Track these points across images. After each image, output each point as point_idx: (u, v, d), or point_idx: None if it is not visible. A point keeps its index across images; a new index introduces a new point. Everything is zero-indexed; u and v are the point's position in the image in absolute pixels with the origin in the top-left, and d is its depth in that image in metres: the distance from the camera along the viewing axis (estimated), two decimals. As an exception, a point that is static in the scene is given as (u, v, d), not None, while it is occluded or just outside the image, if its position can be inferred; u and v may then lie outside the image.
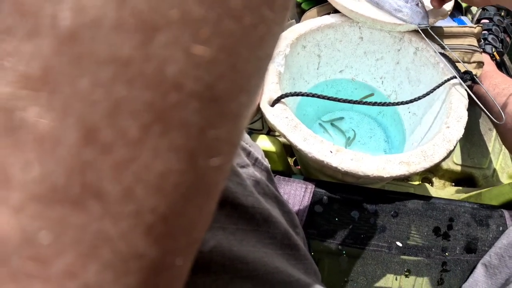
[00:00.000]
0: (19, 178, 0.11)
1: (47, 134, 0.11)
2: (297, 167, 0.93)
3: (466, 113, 0.68)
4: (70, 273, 0.12)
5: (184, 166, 0.13)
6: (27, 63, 0.11)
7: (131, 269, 0.13)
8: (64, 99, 0.11)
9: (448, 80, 0.70)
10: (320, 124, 0.94)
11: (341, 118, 0.95)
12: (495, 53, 1.05)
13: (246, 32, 0.13)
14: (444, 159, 0.61)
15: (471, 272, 0.63)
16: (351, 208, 0.62)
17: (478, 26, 0.91)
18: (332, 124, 0.94)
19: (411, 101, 0.66)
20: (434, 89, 0.69)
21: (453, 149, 0.62)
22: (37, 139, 0.11)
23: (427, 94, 0.68)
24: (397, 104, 0.65)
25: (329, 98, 0.63)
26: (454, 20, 0.96)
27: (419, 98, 0.66)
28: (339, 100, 0.63)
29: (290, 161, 0.93)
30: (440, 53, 0.76)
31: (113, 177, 0.12)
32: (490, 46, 1.06)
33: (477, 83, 0.75)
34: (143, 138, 0.12)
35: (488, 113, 0.74)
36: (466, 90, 0.71)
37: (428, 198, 0.66)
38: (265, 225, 0.40)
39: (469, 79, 0.73)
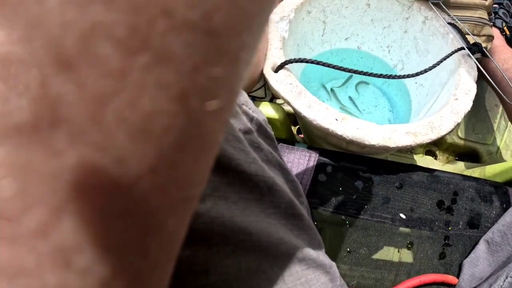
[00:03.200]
0: None
1: (8, 59, 0.09)
2: (300, 135, 0.92)
3: (475, 86, 0.66)
4: (41, 232, 0.10)
5: (175, 107, 0.11)
6: None
7: (116, 224, 0.11)
8: (29, 18, 0.09)
9: (457, 51, 0.68)
10: (325, 88, 0.92)
11: (346, 84, 0.93)
12: (505, 27, 1.02)
13: None
14: (451, 131, 0.59)
15: (472, 248, 0.62)
16: (355, 178, 0.61)
17: (489, -2, 0.89)
18: (332, 90, 0.92)
19: (417, 74, 0.64)
20: (441, 61, 0.67)
21: (460, 122, 0.61)
22: None
23: (434, 66, 0.66)
24: (403, 77, 0.63)
25: (334, 67, 0.61)
26: (464, -9, 0.94)
27: (425, 70, 0.65)
28: (344, 69, 0.61)
29: (293, 129, 0.92)
30: (449, 23, 0.74)
31: (88, 116, 0.10)
32: (501, 20, 1.03)
33: (486, 56, 0.73)
34: (126, 70, 0.10)
35: (498, 89, 0.72)
36: (475, 62, 0.69)
37: (433, 171, 0.65)
38: (269, 194, 0.39)
39: (478, 51, 0.71)
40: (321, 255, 0.43)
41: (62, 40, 0.10)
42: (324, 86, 0.92)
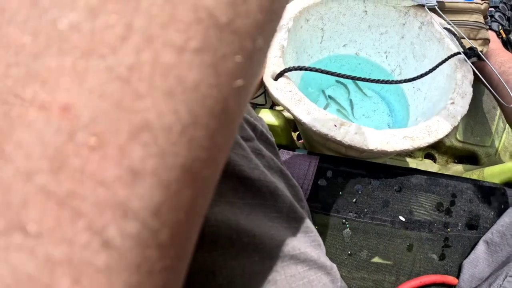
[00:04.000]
0: None
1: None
2: (300, 141, 0.93)
3: (471, 89, 0.67)
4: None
5: (212, 80, 0.14)
6: None
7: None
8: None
9: (453, 56, 0.70)
10: (324, 94, 0.94)
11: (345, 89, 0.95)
12: (501, 30, 1.03)
13: None
14: (448, 135, 0.60)
15: (472, 249, 0.63)
16: (355, 182, 0.62)
17: (485, 2, 0.90)
18: (329, 97, 0.93)
19: (414, 78, 0.65)
20: (438, 66, 0.68)
21: (457, 125, 0.62)
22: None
23: (431, 71, 0.67)
24: (400, 82, 0.64)
25: (332, 74, 0.62)
26: (460, -4, 0.95)
27: (421, 75, 0.66)
28: (342, 76, 0.63)
29: (293, 135, 0.93)
30: (446, 28, 0.76)
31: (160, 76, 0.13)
32: (497, 23, 1.04)
33: (482, 59, 0.74)
34: (183, 48, 0.13)
35: (494, 93, 0.73)
36: (471, 66, 0.71)
37: (431, 174, 0.67)
38: (272, 199, 0.40)
39: (474, 55, 0.72)
40: (322, 257, 0.45)
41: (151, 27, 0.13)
42: (323, 92, 0.94)
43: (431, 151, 1.01)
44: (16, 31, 0.13)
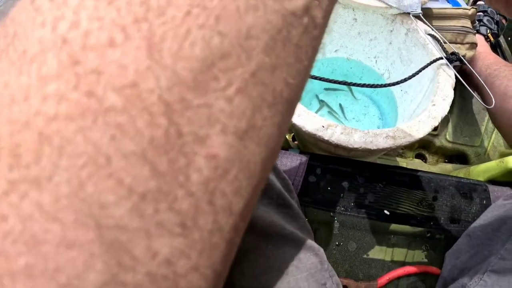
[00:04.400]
0: None
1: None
2: (295, 142, 0.97)
3: (452, 92, 0.71)
4: None
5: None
6: None
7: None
8: None
9: (435, 61, 0.74)
10: (317, 98, 0.98)
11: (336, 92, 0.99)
12: (489, 34, 1.07)
13: None
14: (428, 134, 0.64)
15: (454, 241, 0.66)
16: (342, 178, 0.66)
17: (472, 8, 0.93)
18: (322, 101, 0.97)
19: (398, 82, 0.70)
20: (420, 70, 0.72)
21: (438, 125, 0.66)
22: None
23: (414, 75, 0.72)
24: (384, 86, 0.69)
25: (325, 80, 0.66)
26: (449, 2, 0.99)
27: (405, 79, 0.70)
28: (334, 81, 0.67)
29: (288, 136, 0.98)
30: (430, 34, 0.80)
31: None
32: (485, 27, 1.08)
33: (464, 63, 0.78)
34: None
35: (476, 94, 0.77)
36: (453, 70, 0.75)
37: (415, 171, 0.71)
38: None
39: (456, 60, 0.76)
40: (309, 239, 0.49)
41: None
42: (316, 96, 0.98)
43: (422, 151, 1.05)
44: None
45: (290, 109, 0.17)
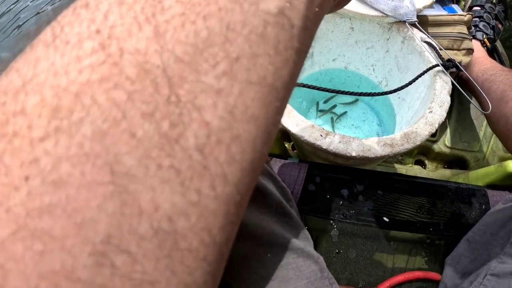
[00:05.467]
0: None
1: None
2: (294, 151, 0.98)
3: (449, 98, 0.72)
4: None
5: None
6: None
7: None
8: None
9: (431, 68, 0.75)
10: (316, 107, 0.99)
11: (334, 106, 1.00)
12: (485, 39, 1.07)
13: None
14: (427, 140, 0.65)
15: (454, 247, 0.67)
16: (341, 186, 0.67)
17: (468, 14, 0.94)
18: (320, 111, 0.98)
19: (394, 90, 0.70)
20: (416, 78, 0.73)
21: (435, 132, 0.67)
22: None
23: (410, 83, 0.72)
24: (382, 94, 0.69)
25: (323, 89, 0.67)
26: (444, 9, 1.00)
27: (401, 87, 0.71)
28: (332, 90, 0.67)
29: (288, 145, 0.98)
30: (426, 42, 0.81)
31: None
32: (481, 33, 1.08)
33: (460, 70, 0.78)
34: None
35: (473, 100, 0.78)
36: (449, 77, 0.75)
37: (414, 177, 0.71)
38: (261, 196, 0.47)
39: (452, 66, 0.77)
40: (309, 248, 0.50)
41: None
42: (317, 104, 0.99)
43: (421, 157, 1.05)
44: None
45: (277, 96, 0.19)
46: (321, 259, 0.51)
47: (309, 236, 0.53)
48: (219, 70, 0.17)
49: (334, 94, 0.95)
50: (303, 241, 0.50)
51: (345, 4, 0.29)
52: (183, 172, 0.15)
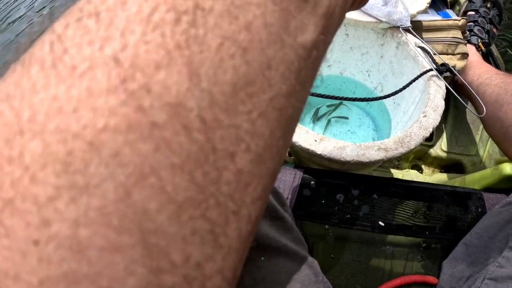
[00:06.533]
0: None
1: None
2: (291, 157, 0.98)
3: (443, 102, 0.72)
4: None
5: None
6: None
7: None
8: None
9: (425, 73, 0.75)
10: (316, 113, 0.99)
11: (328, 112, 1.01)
12: (480, 44, 1.08)
13: None
14: (423, 145, 0.65)
15: (450, 250, 0.67)
16: (336, 191, 0.67)
17: (462, 18, 0.95)
18: (318, 118, 0.99)
19: (387, 95, 0.71)
20: (411, 82, 0.74)
21: (430, 136, 0.67)
22: None
23: (404, 88, 0.73)
24: (376, 99, 0.70)
25: (318, 95, 0.67)
26: (439, 14, 1.01)
27: (395, 92, 0.71)
28: (327, 96, 0.68)
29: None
30: (420, 47, 0.81)
31: None
32: (476, 37, 1.09)
33: (454, 74, 0.79)
34: None
35: (469, 104, 0.78)
36: (443, 81, 0.76)
37: (409, 182, 0.71)
38: None
39: (446, 71, 0.77)
40: (303, 252, 0.50)
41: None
42: (317, 110, 0.99)
43: (418, 162, 1.05)
44: None
45: (294, 129, 0.19)
46: (316, 263, 0.51)
47: (303, 240, 0.53)
48: (255, 113, 0.15)
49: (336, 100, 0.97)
50: (297, 245, 0.50)
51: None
52: (213, 220, 0.15)
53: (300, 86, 0.17)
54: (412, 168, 1.04)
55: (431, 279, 0.66)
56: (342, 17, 0.21)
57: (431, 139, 1.03)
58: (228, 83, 0.14)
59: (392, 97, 0.72)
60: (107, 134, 0.13)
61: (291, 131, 0.19)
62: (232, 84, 0.15)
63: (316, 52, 0.17)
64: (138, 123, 0.13)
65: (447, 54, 0.91)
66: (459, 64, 0.90)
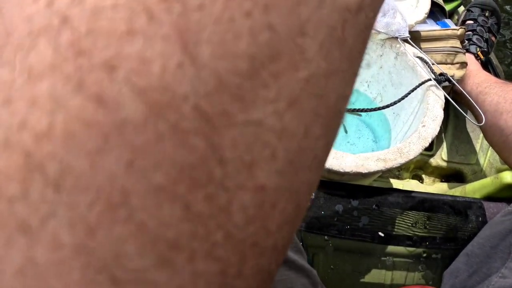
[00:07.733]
0: None
1: None
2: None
3: (442, 112, 0.72)
4: None
5: None
6: None
7: None
8: None
9: (423, 83, 0.75)
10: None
11: None
12: (479, 52, 1.08)
13: None
14: (423, 154, 0.65)
15: (451, 260, 0.67)
16: (336, 202, 0.67)
17: (461, 28, 0.95)
18: None
19: (386, 106, 0.71)
20: (409, 93, 0.74)
21: (430, 145, 0.67)
22: None
23: (403, 98, 0.73)
24: (375, 110, 0.70)
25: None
26: (437, 23, 1.01)
27: (394, 103, 0.72)
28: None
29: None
30: (418, 57, 0.81)
31: None
32: (475, 46, 1.09)
33: (453, 83, 0.79)
34: None
35: (469, 113, 0.78)
36: (442, 91, 0.76)
37: (409, 192, 0.71)
38: None
39: (444, 80, 0.77)
40: (302, 261, 0.49)
41: None
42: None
43: (418, 172, 1.05)
44: None
45: (340, 125, 0.13)
46: (314, 272, 0.51)
47: (302, 249, 0.53)
48: (283, 102, 0.10)
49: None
50: (295, 254, 0.49)
51: None
52: (223, 259, 0.10)
53: (346, 62, 0.12)
54: (413, 178, 1.04)
55: (432, 289, 0.66)
56: None
57: (431, 149, 1.02)
58: (242, 56, 0.10)
59: (392, 107, 0.72)
60: (53, 141, 0.09)
61: (335, 127, 0.13)
62: (248, 57, 0.10)
63: (364, 16, 0.12)
64: (100, 123, 0.09)
65: (446, 63, 0.91)
66: (458, 73, 0.90)
